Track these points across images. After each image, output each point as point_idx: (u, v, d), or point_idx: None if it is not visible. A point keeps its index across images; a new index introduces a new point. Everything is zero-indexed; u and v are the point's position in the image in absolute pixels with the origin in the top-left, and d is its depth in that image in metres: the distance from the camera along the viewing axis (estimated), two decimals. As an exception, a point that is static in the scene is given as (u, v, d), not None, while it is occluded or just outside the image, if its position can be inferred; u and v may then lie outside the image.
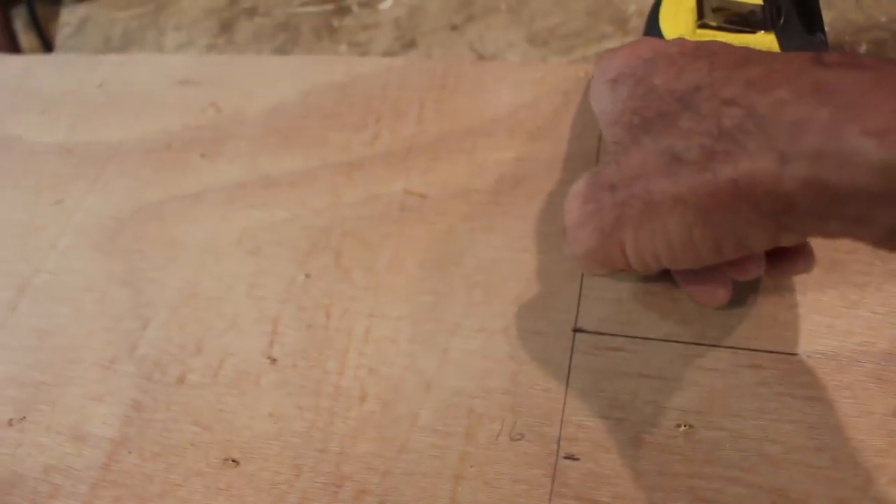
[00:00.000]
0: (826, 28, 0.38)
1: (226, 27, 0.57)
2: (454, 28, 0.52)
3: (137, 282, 0.41)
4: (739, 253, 0.27)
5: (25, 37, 0.59)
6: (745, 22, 0.38)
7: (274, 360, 0.37)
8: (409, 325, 0.37)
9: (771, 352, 0.34)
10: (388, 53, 0.52)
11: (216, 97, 0.48)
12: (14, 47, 0.58)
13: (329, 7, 0.55)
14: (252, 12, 0.57)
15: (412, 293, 0.38)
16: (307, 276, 0.40)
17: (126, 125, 0.48)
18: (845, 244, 0.37)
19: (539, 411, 0.34)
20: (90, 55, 0.55)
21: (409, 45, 0.52)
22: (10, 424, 0.37)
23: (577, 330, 0.36)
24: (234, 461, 0.35)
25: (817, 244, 0.36)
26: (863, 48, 0.46)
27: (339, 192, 0.42)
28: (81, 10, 0.61)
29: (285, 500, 0.33)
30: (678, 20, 0.39)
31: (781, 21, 0.38)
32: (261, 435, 0.35)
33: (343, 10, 0.55)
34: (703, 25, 0.39)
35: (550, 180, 0.41)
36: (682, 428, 0.33)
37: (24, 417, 0.38)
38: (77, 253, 0.43)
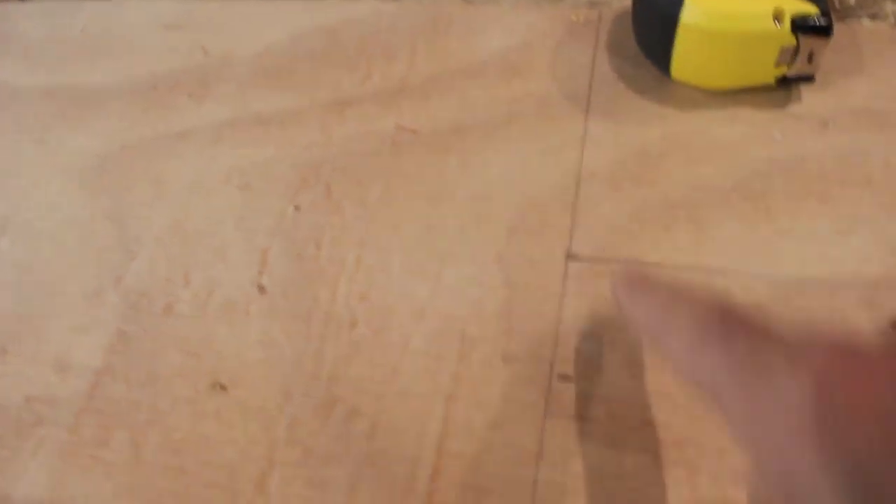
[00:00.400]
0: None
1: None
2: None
3: (123, 217, 0.40)
4: None
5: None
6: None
7: (263, 290, 0.37)
8: (400, 254, 0.37)
9: (764, 277, 0.34)
10: None
11: (203, 41, 0.48)
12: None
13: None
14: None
15: (404, 224, 0.38)
16: (297, 208, 0.39)
17: (110, 69, 0.47)
18: (835, 176, 0.37)
19: (532, 334, 0.34)
20: (71, 1, 0.54)
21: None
22: (-8, 356, 0.37)
23: (570, 256, 0.36)
24: (222, 387, 0.34)
25: (806, 176, 0.36)
26: None
27: (329, 129, 0.42)
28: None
29: (275, 424, 0.33)
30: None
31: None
32: (250, 362, 0.35)
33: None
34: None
35: (543, 117, 0.41)
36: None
37: (7, 350, 0.37)
38: (60, 190, 0.42)
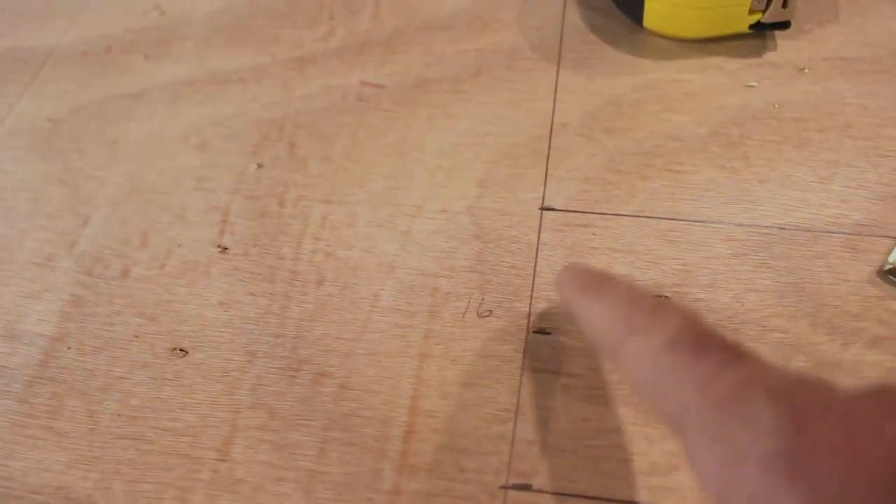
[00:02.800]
0: None
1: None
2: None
3: (76, 180, 0.38)
4: None
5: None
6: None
7: (224, 249, 0.35)
8: (367, 208, 0.35)
9: (744, 225, 0.33)
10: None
11: (159, 1, 0.46)
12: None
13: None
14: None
15: (371, 179, 0.36)
16: (259, 166, 0.37)
17: (60, 29, 0.45)
18: (814, 122, 0.36)
19: (507, 288, 0.32)
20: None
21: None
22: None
23: (544, 208, 0.34)
24: (182, 350, 0.32)
25: (784, 123, 0.35)
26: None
27: (291, 85, 0.40)
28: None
29: (238, 388, 0.31)
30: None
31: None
32: (211, 323, 0.33)
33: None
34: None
35: (513, 69, 0.39)
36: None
37: (-48, 320, 0.35)
38: (9, 155, 0.40)
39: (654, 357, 0.22)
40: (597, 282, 0.26)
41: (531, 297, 0.32)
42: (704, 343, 0.21)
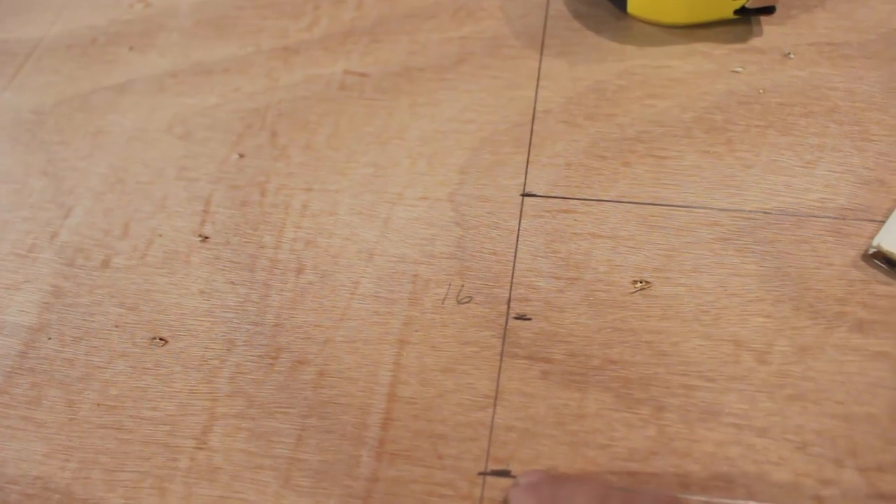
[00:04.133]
0: None
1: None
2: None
3: (59, 171, 0.38)
4: None
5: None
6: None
7: (205, 238, 0.35)
8: (348, 196, 0.35)
9: (728, 210, 0.33)
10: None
11: (145, -7, 0.46)
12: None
13: None
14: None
15: (352, 167, 0.36)
16: (241, 155, 0.37)
17: (45, 22, 0.45)
18: (799, 107, 0.36)
19: (487, 274, 0.32)
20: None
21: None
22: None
23: (525, 194, 0.34)
24: (161, 339, 0.32)
25: (769, 108, 0.35)
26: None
27: (275, 75, 0.40)
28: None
29: (217, 376, 0.31)
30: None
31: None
32: (191, 312, 0.33)
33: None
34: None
35: (496, 56, 0.39)
36: (639, 285, 0.31)
37: (-66, 312, 0.35)
38: (-7, 148, 0.40)
39: None
40: (553, 495, 0.25)
41: (511, 283, 0.32)
42: None
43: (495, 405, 0.29)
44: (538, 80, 0.38)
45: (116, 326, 0.33)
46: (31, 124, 0.41)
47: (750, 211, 0.33)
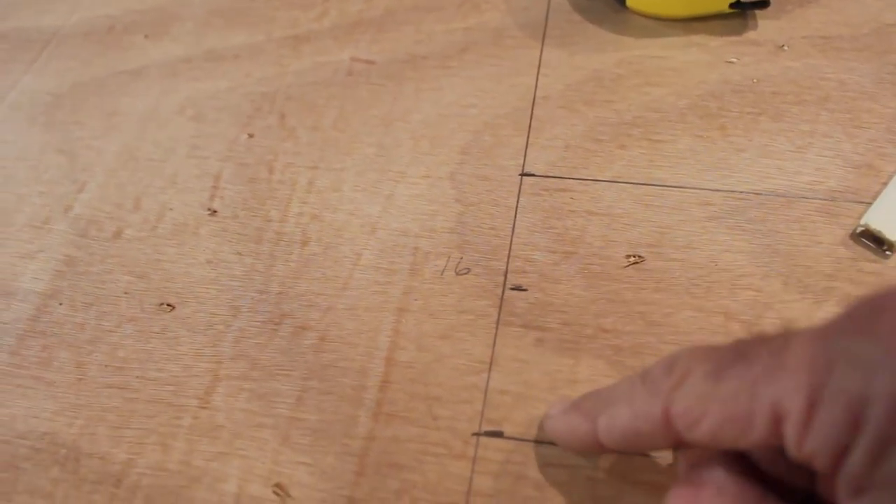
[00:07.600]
0: None
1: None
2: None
3: (74, 150, 0.40)
4: None
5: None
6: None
7: (214, 212, 0.36)
8: (352, 174, 0.36)
9: (720, 190, 0.34)
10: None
11: (161, -15, 0.47)
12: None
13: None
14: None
15: (357, 146, 0.37)
16: (250, 135, 0.38)
17: (63, 12, 0.47)
18: (792, 95, 0.37)
19: (486, 247, 0.33)
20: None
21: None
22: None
23: (524, 174, 0.35)
24: (169, 305, 0.33)
25: (762, 96, 0.36)
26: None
27: (284, 62, 0.42)
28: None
29: (222, 340, 0.32)
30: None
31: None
32: (198, 280, 0.34)
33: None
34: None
35: (499, 46, 0.40)
36: (633, 259, 0.32)
37: (-50, 279, 0.36)
38: (10, 127, 0.42)
39: (713, 387, 0.20)
40: (593, 403, 0.25)
41: (508, 255, 0.33)
42: (742, 348, 0.21)
43: (490, 370, 0.30)
44: (539, 68, 0.39)
45: (126, 293, 0.34)
46: (48, 106, 0.42)
47: (742, 192, 0.34)
